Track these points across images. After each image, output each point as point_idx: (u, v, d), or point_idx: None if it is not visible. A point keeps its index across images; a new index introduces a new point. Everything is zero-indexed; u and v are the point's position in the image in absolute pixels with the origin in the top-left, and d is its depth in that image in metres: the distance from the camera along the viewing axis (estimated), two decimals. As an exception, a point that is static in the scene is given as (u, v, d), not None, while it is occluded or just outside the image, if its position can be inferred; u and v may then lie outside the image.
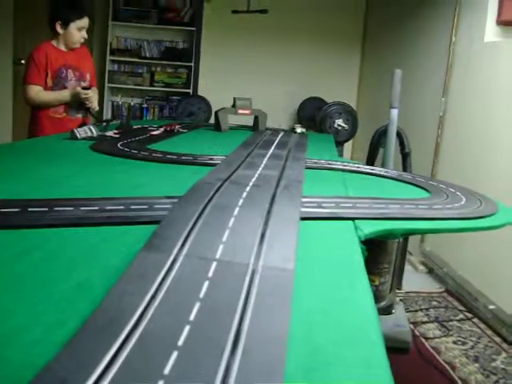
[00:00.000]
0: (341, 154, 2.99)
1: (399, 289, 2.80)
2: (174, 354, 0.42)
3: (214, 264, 0.60)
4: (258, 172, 1.16)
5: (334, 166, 1.65)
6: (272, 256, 0.63)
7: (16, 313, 0.52)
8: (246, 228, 0.72)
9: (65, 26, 2.58)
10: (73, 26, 2.59)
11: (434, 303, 2.87)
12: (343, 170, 1.63)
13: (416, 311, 2.75)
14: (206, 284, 0.55)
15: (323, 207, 1.04)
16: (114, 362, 0.41)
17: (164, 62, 5.04)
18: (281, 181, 1.08)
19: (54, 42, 2.63)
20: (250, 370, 0.41)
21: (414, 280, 3.19)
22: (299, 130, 3.01)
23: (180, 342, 0.44)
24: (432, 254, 3.40)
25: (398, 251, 2.36)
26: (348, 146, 4.76)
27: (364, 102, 5.17)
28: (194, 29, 5.00)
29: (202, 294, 0.53)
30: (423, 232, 1.19)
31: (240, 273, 0.58)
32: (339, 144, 3.26)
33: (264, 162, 1.34)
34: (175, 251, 0.62)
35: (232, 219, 0.75)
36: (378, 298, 1.90)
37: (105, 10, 4.97)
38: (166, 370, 0.40)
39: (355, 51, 5.33)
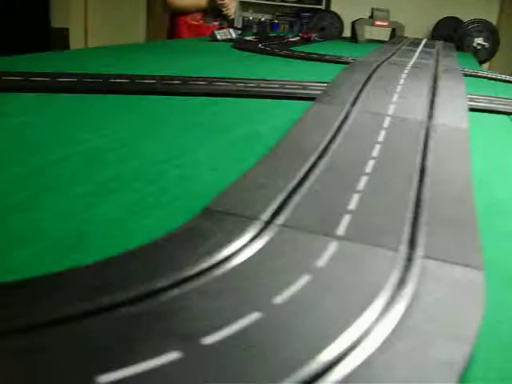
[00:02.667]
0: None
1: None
2: (364, 178, 0.43)
3: (388, 118, 0.59)
4: (413, 59, 1.13)
5: (481, 75, 1.58)
6: (445, 117, 0.62)
7: (196, 149, 0.55)
8: (415, 94, 0.71)
9: None
10: None
11: None
12: (491, 79, 1.55)
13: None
14: (383, 132, 0.55)
15: (476, 101, 1.00)
16: (307, 175, 0.42)
17: (297, -23, 4.94)
18: (439, 66, 1.04)
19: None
20: (440, 194, 0.41)
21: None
22: None
23: (368, 170, 0.45)
24: None
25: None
26: (485, 66, 4.50)
27: (507, 20, 4.83)
28: None
29: (380, 139, 0.52)
30: None
31: (415, 126, 0.57)
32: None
33: (416, 54, 1.30)
34: (347, 106, 0.62)
35: (399, 87, 0.74)
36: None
37: None
38: (360, 187, 0.41)
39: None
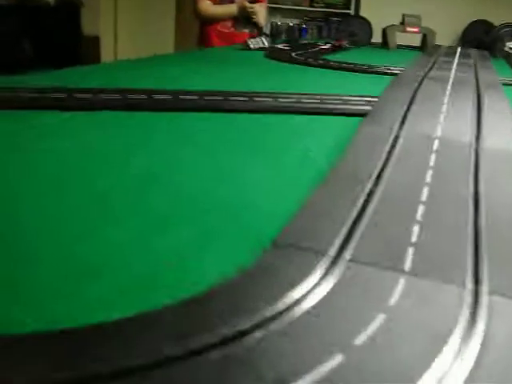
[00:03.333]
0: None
1: None
2: (421, 207, 0.44)
3: (437, 141, 0.60)
4: (453, 73, 1.14)
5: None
6: (493, 138, 0.62)
7: (248, 172, 0.56)
8: (460, 114, 0.72)
9: None
10: None
11: None
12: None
13: None
14: (434, 156, 0.55)
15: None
16: (367, 204, 0.43)
17: (325, -18, 4.93)
18: (479, 80, 1.05)
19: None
20: (498, 222, 0.42)
21: None
22: None
23: (423, 198, 0.45)
24: None
25: None
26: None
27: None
28: None
29: (431, 163, 0.53)
30: None
31: (464, 149, 0.58)
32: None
33: (454, 67, 1.30)
34: (396, 128, 0.63)
35: (444, 106, 0.75)
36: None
37: None
38: (418, 217, 0.42)
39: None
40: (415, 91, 0.85)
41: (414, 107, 0.73)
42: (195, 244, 0.39)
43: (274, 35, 3.03)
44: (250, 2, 2.61)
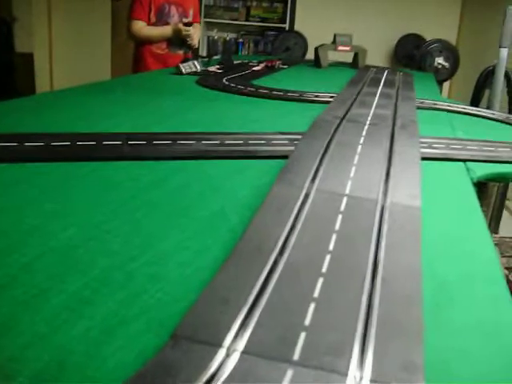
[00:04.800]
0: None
1: (496, 233, 2.75)
2: (320, 280, 0.46)
3: (345, 199, 0.63)
4: (372, 111, 1.18)
5: (439, 107, 1.63)
6: (399, 193, 0.66)
7: (161, 239, 0.57)
8: (371, 165, 0.75)
9: None
10: None
11: (531, 249, 2.81)
12: (449, 111, 1.61)
13: (511, 257, 2.70)
14: (340, 217, 0.58)
15: (434, 148, 1.04)
16: (266, 284, 0.45)
17: (260, -4, 4.99)
18: (396, 120, 1.09)
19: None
20: (390, 298, 0.45)
21: (510, 226, 3.13)
22: None
23: (324, 269, 0.48)
24: (531, 199, 3.30)
25: (497, 195, 2.32)
26: (445, 85, 4.60)
27: (465, 41, 4.95)
28: (290, -39, 4.90)
29: (337, 227, 0.56)
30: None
31: (370, 208, 0.61)
32: (438, 83, 3.18)
33: (375, 101, 1.35)
34: (306, 185, 0.65)
35: (356, 156, 0.78)
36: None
37: None
38: (316, 294, 0.44)
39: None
40: (331, 138, 0.88)
41: (326, 159, 0.76)
42: (103, 329, 0.40)
43: (210, 53, 3.03)
44: (185, 24, 2.62)
